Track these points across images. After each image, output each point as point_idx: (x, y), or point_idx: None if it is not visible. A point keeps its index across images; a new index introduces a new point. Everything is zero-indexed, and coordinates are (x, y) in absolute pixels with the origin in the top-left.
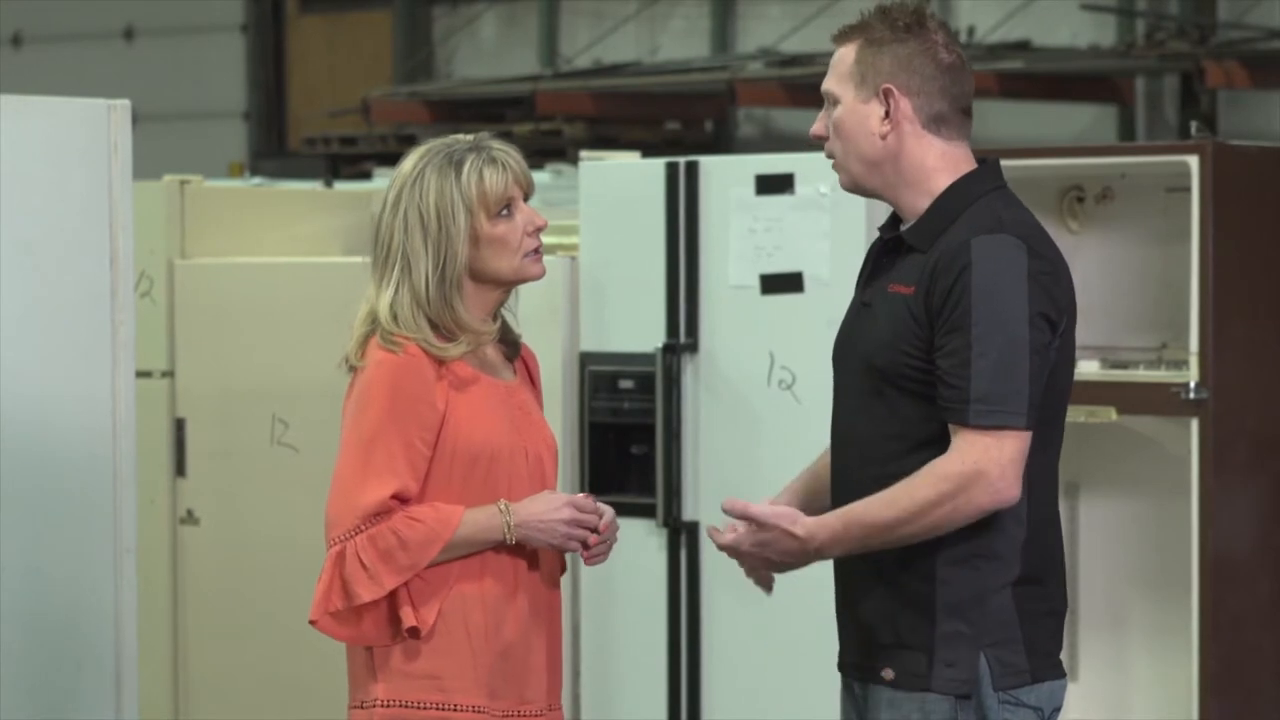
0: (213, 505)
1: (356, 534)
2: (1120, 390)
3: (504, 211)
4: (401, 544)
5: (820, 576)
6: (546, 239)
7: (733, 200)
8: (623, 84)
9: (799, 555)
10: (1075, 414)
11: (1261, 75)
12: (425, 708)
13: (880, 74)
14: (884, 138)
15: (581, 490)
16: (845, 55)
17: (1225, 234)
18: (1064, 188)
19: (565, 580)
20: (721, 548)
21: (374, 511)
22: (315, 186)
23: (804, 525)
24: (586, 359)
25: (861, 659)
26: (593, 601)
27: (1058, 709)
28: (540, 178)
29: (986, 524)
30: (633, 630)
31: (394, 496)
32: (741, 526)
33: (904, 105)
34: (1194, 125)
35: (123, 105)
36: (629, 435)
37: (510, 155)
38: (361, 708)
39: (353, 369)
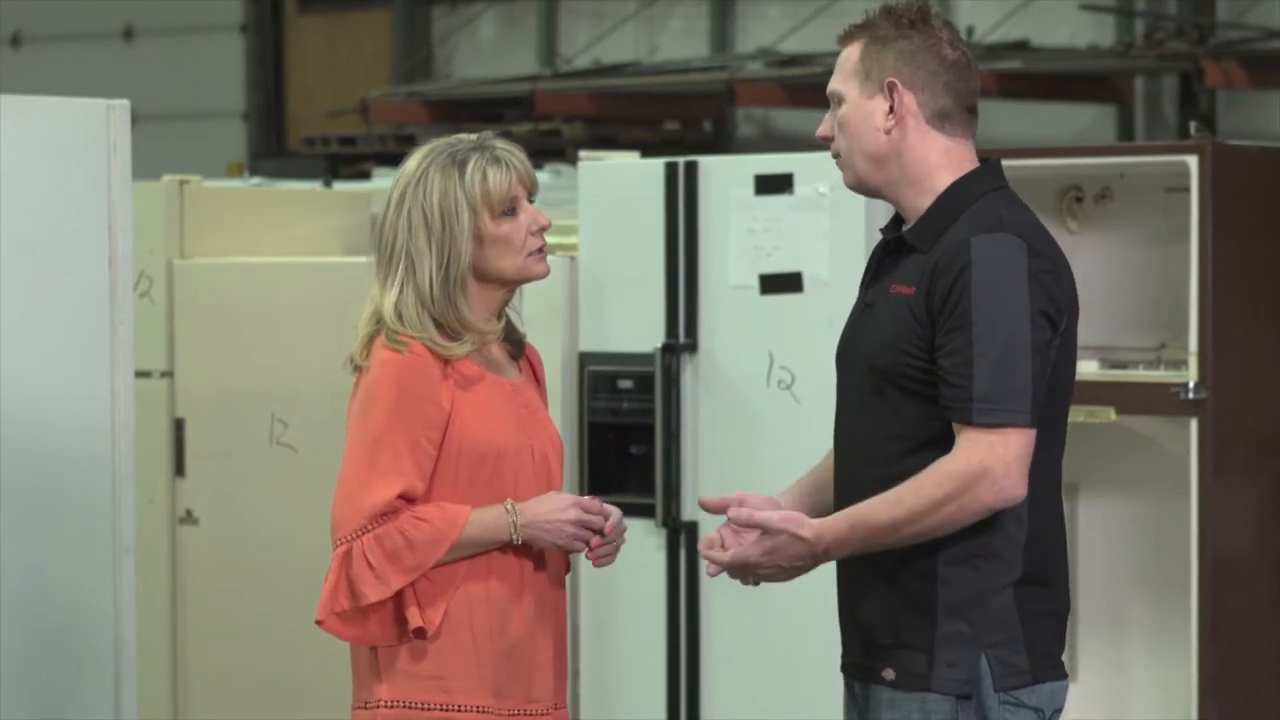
0: (212, 505)
1: (363, 534)
2: (1119, 390)
3: (508, 211)
4: (408, 544)
5: (820, 577)
6: (546, 239)
7: (732, 200)
8: (622, 84)
9: (807, 558)
10: (1075, 414)
11: (1260, 75)
12: (429, 708)
13: (885, 69)
14: (888, 133)
15: (582, 490)
16: (850, 54)
17: (1224, 234)
18: (1063, 188)
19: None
20: (729, 564)
21: (380, 512)
22: (314, 186)
23: (811, 528)
24: (586, 359)
25: (862, 659)
26: (592, 601)
27: (1059, 710)
28: (539, 178)
29: (987, 524)
30: (632, 630)
31: (400, 496)
32: (729, 536)
33: (908, 100)
34: (1193, 125)
35: (122, 105)
36: (628, 435)
37: (514, 154)
38: (365, 708)
39: (358, 369)
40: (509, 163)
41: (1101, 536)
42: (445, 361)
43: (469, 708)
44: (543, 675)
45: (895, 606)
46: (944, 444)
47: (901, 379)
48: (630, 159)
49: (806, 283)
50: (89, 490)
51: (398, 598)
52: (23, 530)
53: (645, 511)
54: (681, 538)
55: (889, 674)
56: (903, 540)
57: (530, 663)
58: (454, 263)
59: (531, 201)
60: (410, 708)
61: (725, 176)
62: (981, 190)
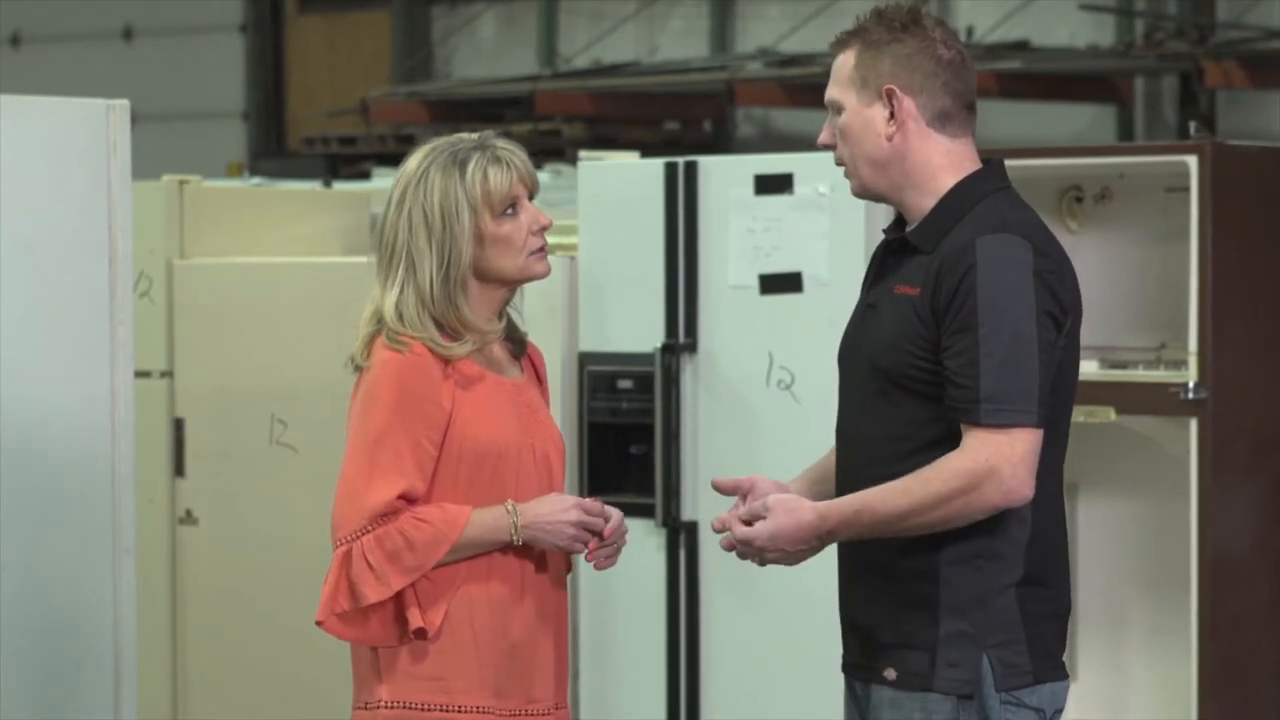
0: (212, 505)
1: (363, 535)
2: (1119, 390)
3: (509, 210)
4: (409, 545)
5: (820, 577)
6: (546, 238)
7: (732, 200)
8: (622, 84)
9: (812, 540)
10: (1075, 414)
11: (1260, 75)
12: (429, 709)
13: (881, 76)
14: (890, 139)
15: (582, 491)
16: (845, 61)
17: (1224, 234)
18: (1063, 188)
19: None
20: (735, 544)
21: (381, 512)
22: (314, 186)
23: (816, 509)
24: (585, 359)
25: (863, 659)
26: (591, 601)
27: (1060, 710)
28: (539, 177)
29: (990, 524)
30: (631, 630)
31: (401, 497)
32: (738, 526)
33: (907, 104)
34: (1193, 125)
35: (122, 105)
36: (628, 435)
37: (515, 154)
38: (366, 708)
39: (358, 369)
40: (510, 162)
41: (1101, 536)
42: (446, 361)
43: (470, 708)
44: (543, 676)
45: (897, 606)
46: (947, 444)
47: (905, 379)
48: (630, 159)
49: (806, 283)
50: (89, 490)
51: (398, 598)
52: (23, 530)
53: (645, 511)
54: (681, 538)
55: (890, 674)
56: (906, 531)
57: (531, 663)
58: (455, 262)
59: (532, 201)
60: (411, 708)
61: (725, 176)
62: (985, 191)
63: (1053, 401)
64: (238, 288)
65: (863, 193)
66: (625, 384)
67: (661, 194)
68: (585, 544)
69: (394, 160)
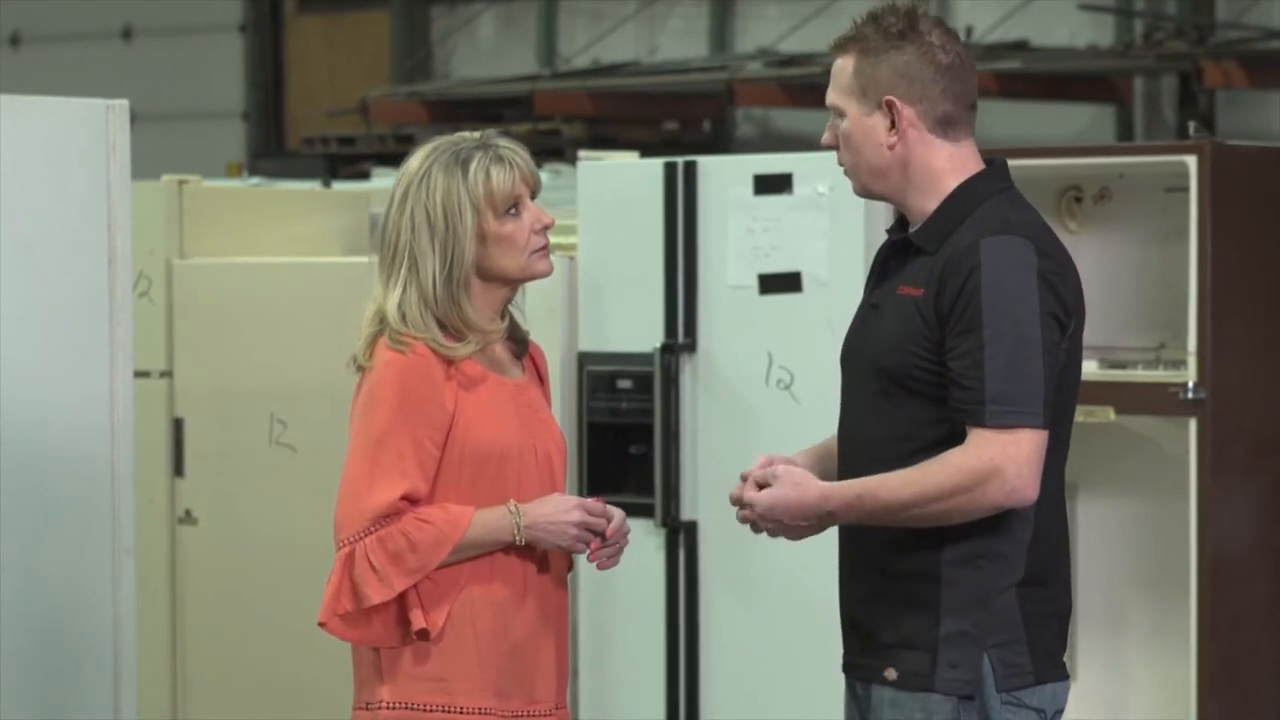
0: (211, 505)
1: (366, 536)
2: (1119, 390)
3: (511, 210)
4: (411, 546)
5: (820, 577)
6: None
7: (731, 200)
8: (621, 84)
9: (812, 518)
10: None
11: (1260, 75)
12: (430, 710)
13: (880, 86)
14: (892, 148)
15: (582, 491)
16: (844, 67)
17: (1224, 234)
18: (1062, 188)
19: None
20: (738, 500)
21: (383, 513)
22: (313, 186)
23: (818, 487)
24: (585, 359)
25: (864, 659)
26: (591, 601)
27: (1060, 711)
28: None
29: (992, 524)
30: (631, 630)
31: (403, 498)
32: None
33: (907, 114)
34: (1192, 125)
35: (121, 105)
36: (627, 435)
37: (517, 153)
38: (367, 709)
39: (360, 369)
40: (512, 162)
41: (1101, 536)
42: (448, 362)
43: (471, 709)
44: (545, 676)
45: (898, 606)
46: (950, 445)
47: (908, 380)
48: (629, 159)
49: (805, 283)
50: (88, 490)
51: (401, 599)
52: (22, 530)
53: (644, 511)
54: (681, 538)
55: (891, 674)
56: (906, 521)
57: (533, 664)
58: (457, 262)
59: (534, 199)
60: (412, 709)
61: (724, 176)
62: (988, 192)
63: (1055, 402)
64: (237, 288)
65: (864, 194)
66: (625, 384)
67: (661, 194)
68: (587, 544)
69: (393, 160)
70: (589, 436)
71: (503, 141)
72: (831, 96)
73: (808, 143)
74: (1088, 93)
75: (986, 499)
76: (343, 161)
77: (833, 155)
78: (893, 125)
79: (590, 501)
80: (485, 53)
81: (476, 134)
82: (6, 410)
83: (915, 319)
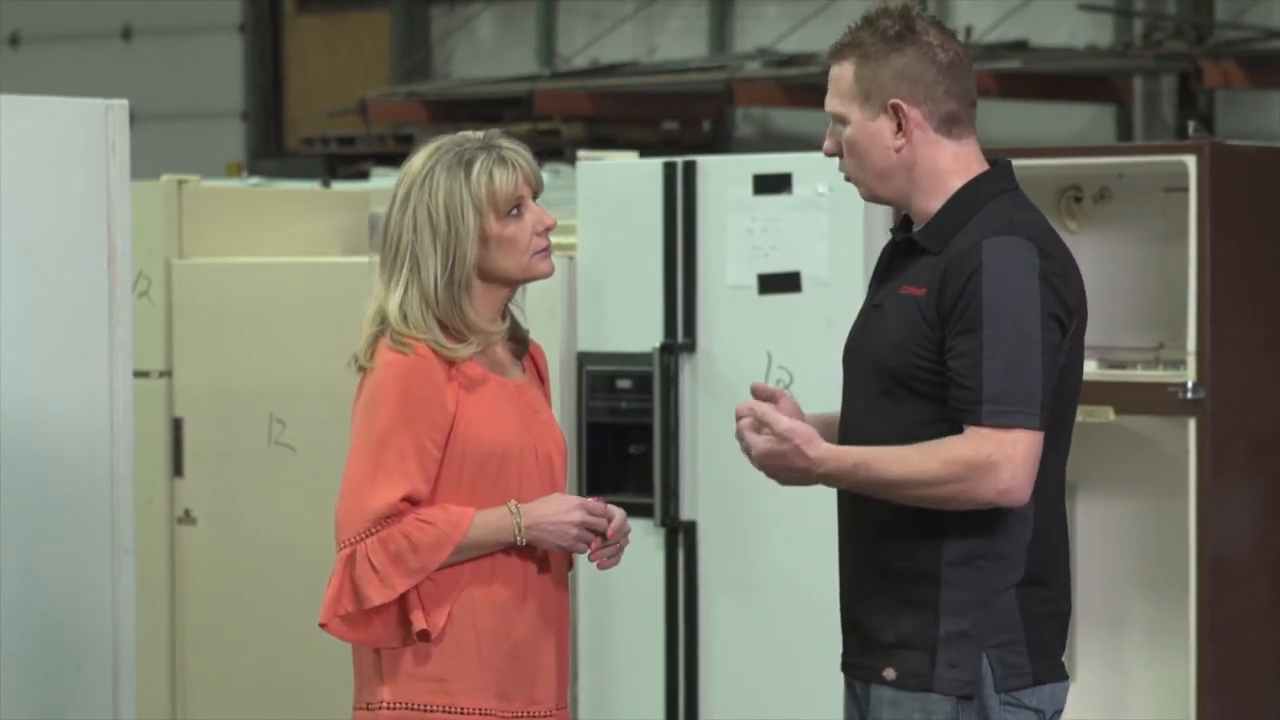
0: (210, 505)
1: (367, 536)
2: (1118, 390)
3: (513, 211)
4: (412, 547)
5: (820, 577)
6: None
7: (730, 200)
8: (620, 84)
9: (804, 475)
10: None
11: (1259, 75)
12: (431, 710)
13: (884, 89)
14: (898, 151)
15: (581, 490)
16: (843, 74)
17: (1223, 234)
18: (1062, 188)
19: None
20: (739, 434)
21: (384, 514)
22: (313, 186)
23: (817, 448)
24: (584, 359)
25: (863, 659)
26: (590, 601)
27: (1059, 711)
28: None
29: (992, 525)
30: (630, 630)
31: (405, 499)
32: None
33: (914, 115)
34: (1192, 125)
35: (121, 105)
36: (627, 435)
37: (520, 155)
38: (367, 709)
39: (361, 369)
40: (515, 163)
41: (1100, 536)
42: (450, 363)
43: (472, 710)
44: (545, 677)
45: (897, 606)
46: None
47: (911, 380)
48: (629, 159)
49: (805, 282)
50: (88, 490)
51: (402, 600)
52: (22, 530)
53: (644, 511)
54: (680, 537)
55: (890, 674)
56: (897, 499)
57: (533, 664)
58: (459, 264)
59: (536, 199)
60: (413, 709)
61: (724, 176)
62: (992, 192)
63: (1056, 403)
64: (236, 288)
65: (871, 199)
66: (624, 384)
67: (660, 194)
68: (588, 544)
69: (393, 160)
70: (589, 436)
71: (506, 142)
72: (832, 104)
73: (807, 143)
74: (1087, 93)
75: (978, 493)
76: (342, 161)
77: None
78: (899, 128)
79: (591, 501)
80: (485, 53)
81: (480, 134)
82: (6, 410)
83: (917, 319)
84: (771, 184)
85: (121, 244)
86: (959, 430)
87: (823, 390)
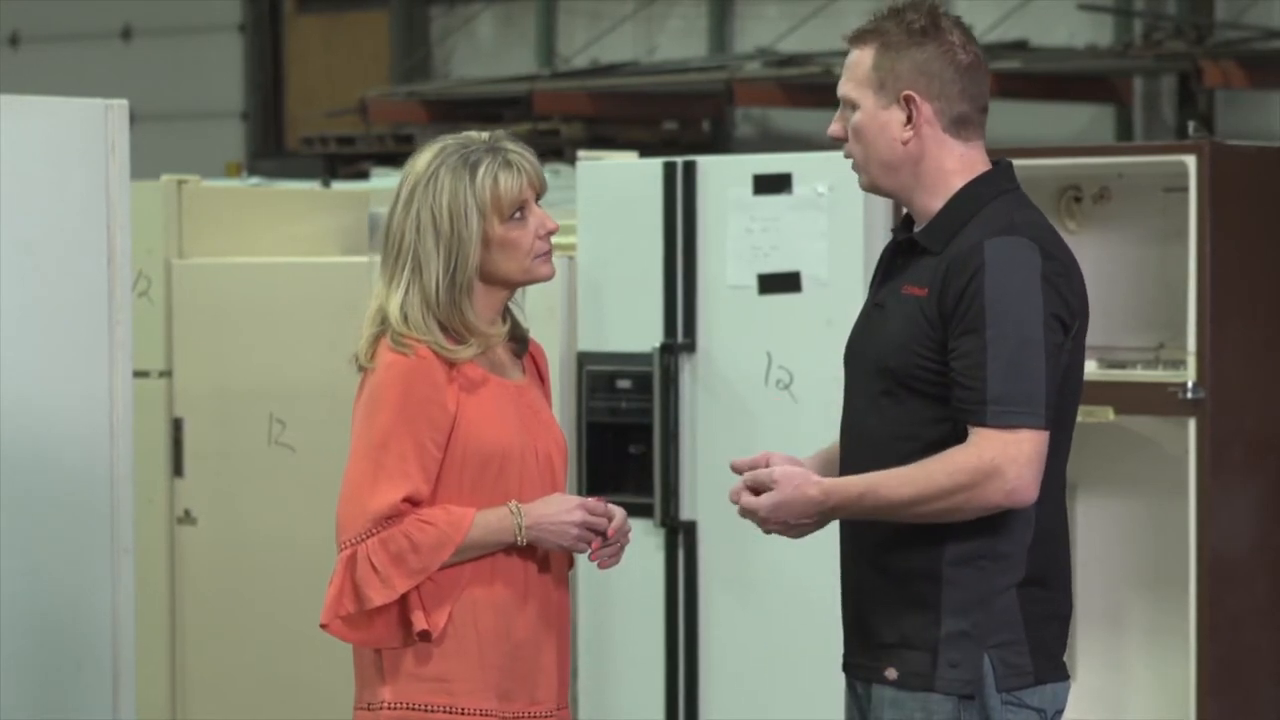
0: (210, 505)
1: (368, 537)
2: (1118, 390)
3: (517, 215)
4: (413, 547)
5: (820, 577)
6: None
7: (730, 200)
8: (620, 84)
9: (814, 514)
10: None
11: (1259, 75)
12: (432, 710)
13: (900, 80)
14: (906, 143)
15: (581, 491)
16: (861, 59)
17: (1223, 234)
18: (1061, 188)
19: None
20: (741, 508)
21: (385, 515)
22: (313, 186)
23: (820, 485)
24: (584, 359)
25: (864, 659)
26: (590, 601)
27: (1060, 711)
28: None
29: (994, 525)
30: (630, 630)
31: (405, 499)
32: (744, 495)
33: (926, 110)
34: (1191, 125)
35: (120, 105)
36: (627, 435)
37: (525, 157)
38: (368, 709)
39: (362, 369)
40: (520, 167)
41: (1100, 536)
42: (450, 365)
43: (472, 710)
44: (546, 677)
45: (899, 606)
46: (952, 445)
47: (912, 379)
48: (629, 159)
49: (805, 282)
50: (87, 490)
51: (402, 600)
52: (22, 530)
53: (644, 511)
54: (680, 537)
55: (892, 673)
56: (907, 517)
57: (534, 665)
58: (461, 266)
59: (539, 202)
60: (414, 709)
61: (723, 176)
62: (993, 193)
63: (1058, 404)
64: (236, 288)
65: (871, 189)
66: (624, 384)
67: (660, 194)
68: (589, 543)
69: (393, 160)
70: (588, 436)
71: (511, 145)
72: (845, 88)
73: (807, 143)
74: (1087, 93)
75: (986, 498)
76: (342, 161)
77: (833, 155)
78: (909, 120)
79: (592, 501)
80: (484, 53)
81: (484, 135)
82: (6, 410)
83: (919, 319)
84: (771, 184)
85: (121, 244)
86: (961, 430)
87: (823, 390)
